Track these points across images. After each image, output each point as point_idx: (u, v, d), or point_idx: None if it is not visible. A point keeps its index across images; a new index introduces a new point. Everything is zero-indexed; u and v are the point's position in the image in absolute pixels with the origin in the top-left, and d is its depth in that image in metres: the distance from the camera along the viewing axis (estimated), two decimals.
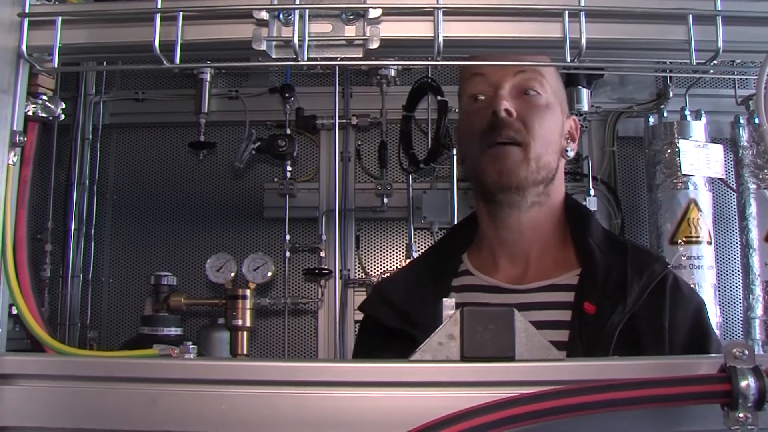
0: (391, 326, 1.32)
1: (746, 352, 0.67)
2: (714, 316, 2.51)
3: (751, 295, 2.58)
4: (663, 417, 0.72)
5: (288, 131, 2.92)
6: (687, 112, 2.66)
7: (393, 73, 2.94)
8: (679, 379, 0.68)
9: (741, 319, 2.71)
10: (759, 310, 2.56)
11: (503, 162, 1.30)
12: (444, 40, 0.84)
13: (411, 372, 0.75)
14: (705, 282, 2.51)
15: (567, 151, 1.40)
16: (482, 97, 1.34)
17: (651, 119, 2.74)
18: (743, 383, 0.65)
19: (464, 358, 0.74)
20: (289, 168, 2.91)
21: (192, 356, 0.81)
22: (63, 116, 1.03)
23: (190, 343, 0.83)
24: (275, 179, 2.95)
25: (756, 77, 0.80)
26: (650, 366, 0.74)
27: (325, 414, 0.74)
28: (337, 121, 2.95)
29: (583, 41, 0.84)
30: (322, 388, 0.75)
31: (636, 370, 0.73)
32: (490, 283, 1.36)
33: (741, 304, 2.70)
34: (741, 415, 0.66)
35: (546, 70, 1.35)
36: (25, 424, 0.76)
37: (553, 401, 0.64)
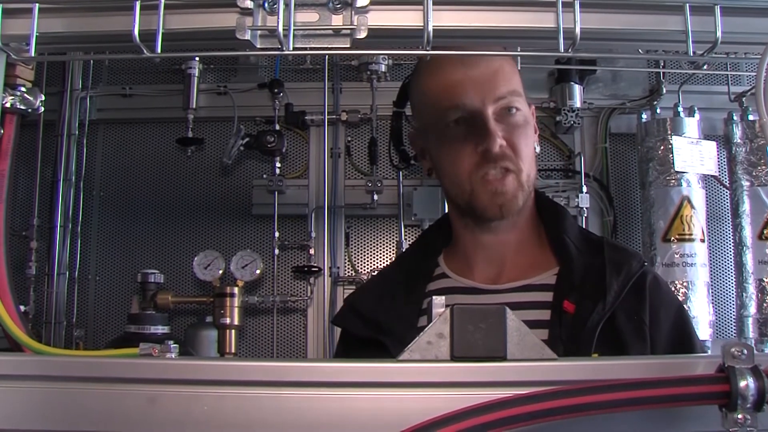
0: (361, 335, 1.33)
1: (745, 351, 0.65)
2: (707, 314, 2.50)
3: (744, 294, 2.58)
4: (659, 418, 0.70)
5: (277, 127, 2.90)
6: (680, 109, 2.65)
7: (383, 68, 2.92)
8: (676, 379, 0.66)
9: (734, 317, 2.71)
10: (752, 309, 2.56)
11: (503, 195, 1.29)
12: (434, 30, 0.82)
13: (399, 372, 0.73)
14: (698, 280, 2.50)
15: (535, 148, 1.38)
16: (464, 122, 1.30)
17: (644, 116, 2.72)
18: (742, 384, 0.63)
19: (454, 358, 0.72)
20: (278, 164, 2.90)
21: (174, 355, 0.78)
22: (42, 109, 1.01)
23: (172, 342, 0.80)
24: (264, 176, 2.93)
25: (750, 73, 0.78)
26: (646, 366, 0.72)
27: (312, 415, 0.72)
28: (326, 116, 2.93)
29: (578, 31, 0.82)
30: (310, 388, 0.72)
31: (631, 370, 0.72)
32: (466, 284, 1.36)
33: (734, 303, 2.69)
34: (740, 416, 0.64)
35: (513, 72, 1.33)
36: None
37: (548, 402, 0.62)
